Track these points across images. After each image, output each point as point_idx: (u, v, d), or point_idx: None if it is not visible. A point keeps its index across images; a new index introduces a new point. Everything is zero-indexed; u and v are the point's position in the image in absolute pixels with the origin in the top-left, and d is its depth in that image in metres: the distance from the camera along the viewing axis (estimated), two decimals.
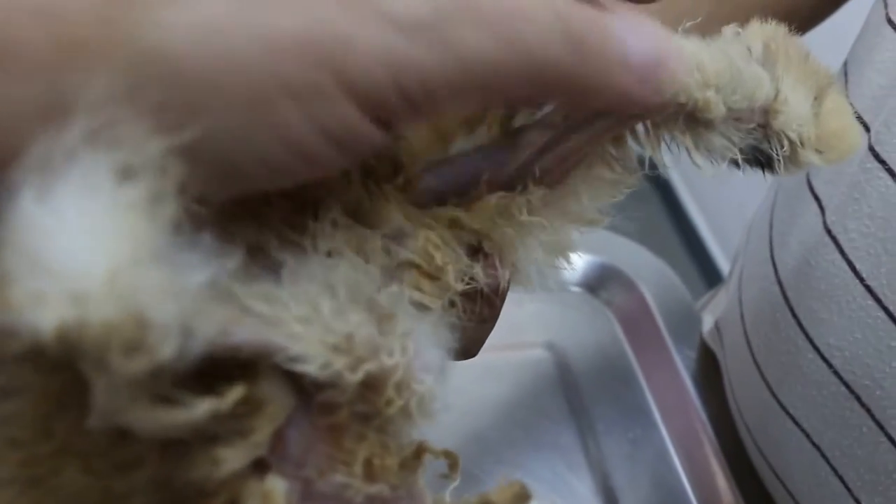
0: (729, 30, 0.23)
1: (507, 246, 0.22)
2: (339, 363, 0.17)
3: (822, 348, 0.38)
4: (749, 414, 0.47)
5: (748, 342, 0.45)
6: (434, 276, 0.21)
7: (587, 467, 0.51)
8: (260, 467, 0.17)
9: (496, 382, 0.55)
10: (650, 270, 0.64)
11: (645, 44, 0.17)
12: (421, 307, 0.20)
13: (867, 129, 0.37)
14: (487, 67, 0.15)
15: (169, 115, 0.13)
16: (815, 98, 0.23)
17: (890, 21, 0.36)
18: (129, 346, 0.13)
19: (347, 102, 0.14)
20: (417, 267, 0.21)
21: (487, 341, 0.26)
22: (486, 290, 0.23)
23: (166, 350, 0.13)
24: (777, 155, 0.22)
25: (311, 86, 0.14)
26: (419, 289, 0.21)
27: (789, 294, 0.41)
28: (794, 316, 0.40)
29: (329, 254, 0.19)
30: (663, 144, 0.22)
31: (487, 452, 0.51)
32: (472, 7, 0.15)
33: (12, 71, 0.13)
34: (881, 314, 0.35)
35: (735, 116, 0.21)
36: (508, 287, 0.26)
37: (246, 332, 0.15)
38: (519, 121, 0.22)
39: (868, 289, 0.35)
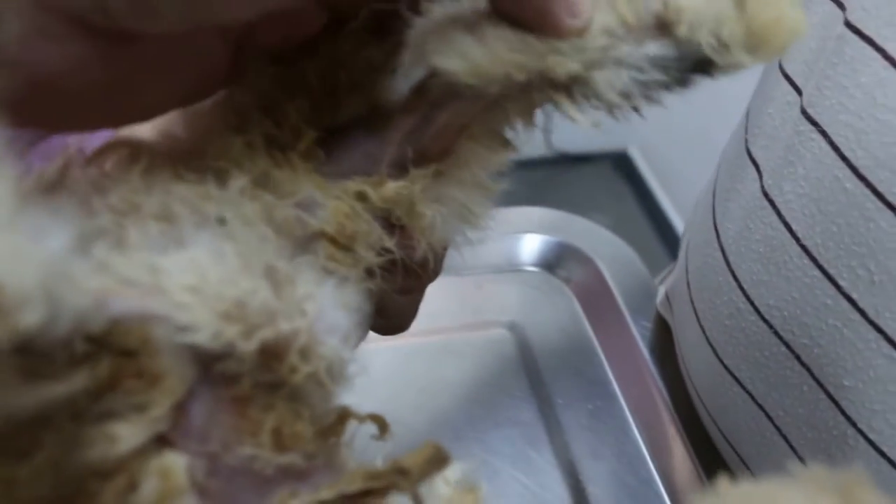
0: None
1: (417, 218, 0.22)
2: (231, 331, 0.16)
3: (763, 309, 0.38)
4: (699, 380, 0.47)
5: (694, 309, 0.45)
6: (346, 245, 0.21)
7: (548, 441, 0.51)
8: (163, 444, 0.17)
9: (457, 362, 0.55)
10: (606, 247, 0.64)
11: None
12: (329, 273, 0.20)
13: (799, 92, 0.37)
14: None
15: None
16: None
17: None
18: None
19: None
20: (329, 237, 0.20)
21: (448, 322, 0.26)
22: (405, 260, 0.23)
23: (30, 316, 0.12)
24: (707, 59, 0.19)
25: None
26: (333, 259, 0.20)
27: (731, 258, 0.41)
28: (736, 279, 0.40)
29: (223, 221, 0.18)
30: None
31: (448, 430, 0.51)
32: None
33: None
34: (817, 272, 0.35)
35: (613, 57, 0.19)
36: (441, 258, 0.26)
37: (125, 303, 0.15)
38: (383, 98, 0.22)
39: (804, 248, 0.36)
